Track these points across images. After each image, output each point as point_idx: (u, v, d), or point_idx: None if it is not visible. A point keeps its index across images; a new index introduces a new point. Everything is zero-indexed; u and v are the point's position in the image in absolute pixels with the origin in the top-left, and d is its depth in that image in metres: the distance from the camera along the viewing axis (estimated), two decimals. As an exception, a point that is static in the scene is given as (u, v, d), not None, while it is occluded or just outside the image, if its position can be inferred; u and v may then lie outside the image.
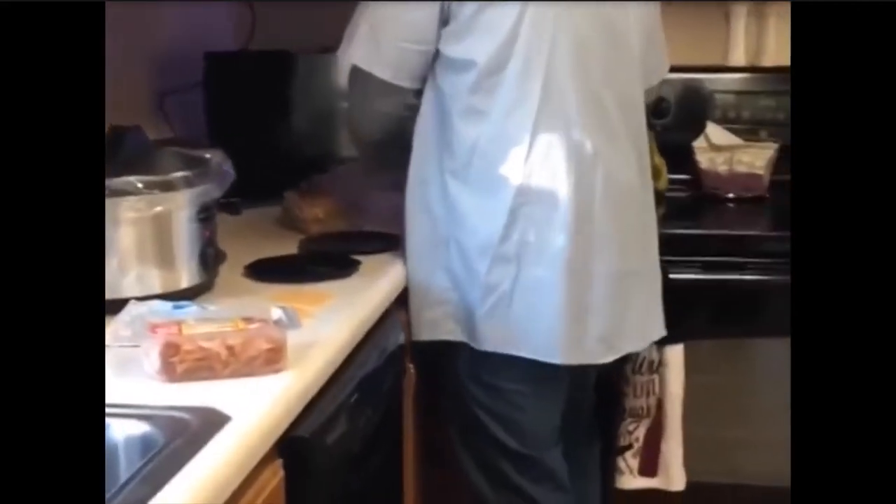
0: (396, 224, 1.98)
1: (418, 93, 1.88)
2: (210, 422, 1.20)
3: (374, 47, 1.83)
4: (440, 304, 1.88)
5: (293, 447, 1.29)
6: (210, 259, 1.68)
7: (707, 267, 2.23)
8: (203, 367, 1.33)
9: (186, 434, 1.16)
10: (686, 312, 2.11)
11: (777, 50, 2.73)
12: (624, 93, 1.86)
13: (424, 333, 1.91)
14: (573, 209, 1.78)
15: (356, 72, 1.87)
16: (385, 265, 1.92)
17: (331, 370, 1.46)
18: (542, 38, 1.76)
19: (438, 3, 1.77)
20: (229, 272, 1.81)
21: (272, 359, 1.35)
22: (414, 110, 1.90)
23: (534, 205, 1.79)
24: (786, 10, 2.71)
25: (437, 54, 1.82)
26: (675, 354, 2.16)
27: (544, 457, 1.91)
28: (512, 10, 1.76)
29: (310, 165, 2.38)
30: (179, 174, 1.60)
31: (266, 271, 1.86)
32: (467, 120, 1.81)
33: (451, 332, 1.88)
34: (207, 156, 1.71)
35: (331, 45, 1.98)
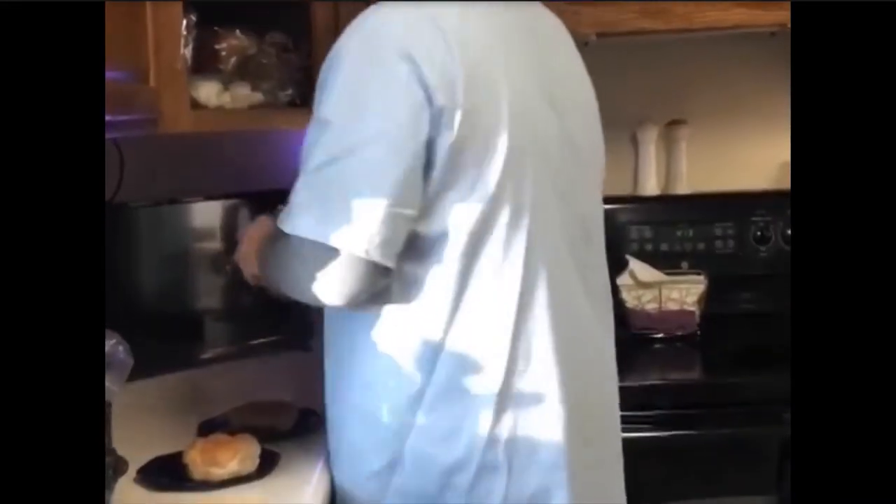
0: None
1: None
2: None
3: (357, 222, 1.33)
4: None
5: None
6: (108, 472, 1.33)
7: (656, 423, 1.99)
8: None
9: None
10: (634, 475, 1.83)
11: (690, 176, 2.55)
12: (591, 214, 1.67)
13: None
14: (563, 386, 1.45)
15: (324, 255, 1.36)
16: (307, 454, 1.60)
17: None
18: (524, 179, 1.42)
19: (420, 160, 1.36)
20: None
21: None
22: None
23: (523, 387, 1.42)
24: (697, 133, 2.55)
25: None
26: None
27: None
28: (494, 155, 1.39)
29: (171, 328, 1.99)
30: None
31: (162, 474, 1.52)
32: (437, 299, 1.40)
33: None
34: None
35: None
